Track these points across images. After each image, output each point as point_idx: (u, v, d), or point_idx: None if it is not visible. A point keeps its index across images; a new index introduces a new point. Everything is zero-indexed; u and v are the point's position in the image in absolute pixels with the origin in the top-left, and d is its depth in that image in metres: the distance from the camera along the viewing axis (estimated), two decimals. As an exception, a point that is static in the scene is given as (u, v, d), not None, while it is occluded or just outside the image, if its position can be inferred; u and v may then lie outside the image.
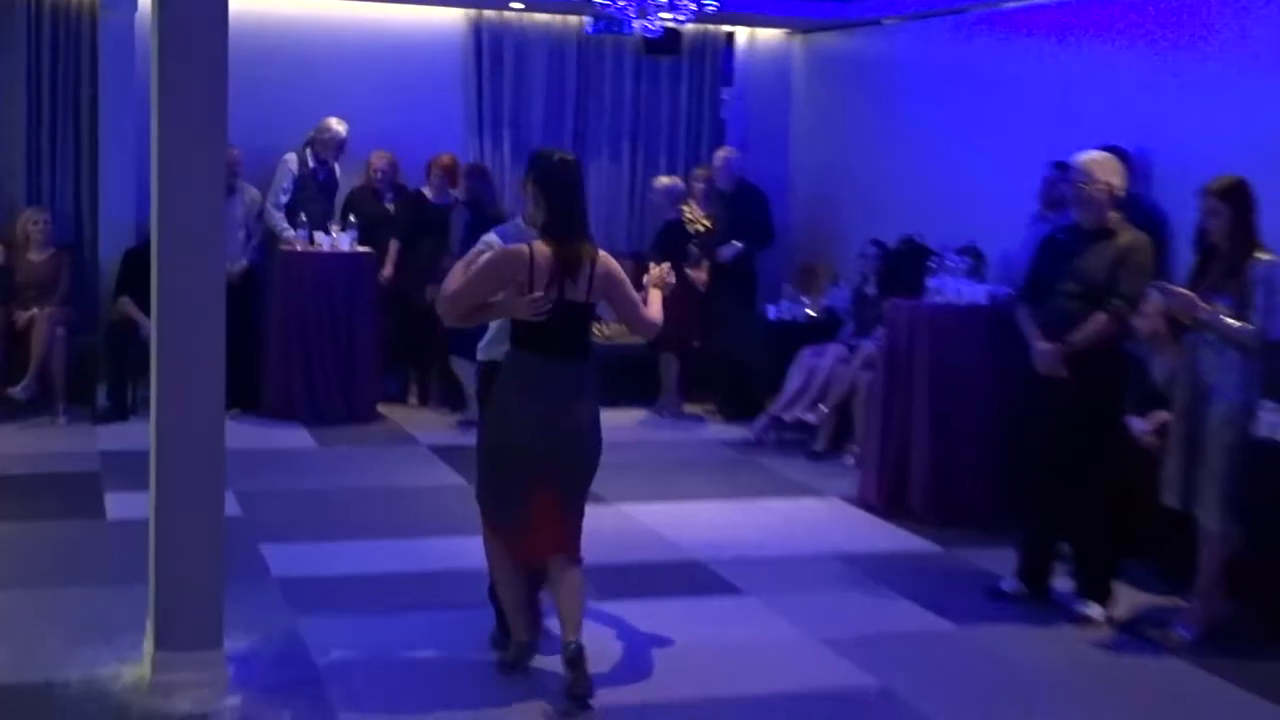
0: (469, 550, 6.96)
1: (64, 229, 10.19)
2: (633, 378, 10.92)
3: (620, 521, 7.72)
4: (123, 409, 9.70)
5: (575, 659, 4.98)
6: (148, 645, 5.17)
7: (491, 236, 5.41)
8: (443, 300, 5.19)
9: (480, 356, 5.55)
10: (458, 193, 10.35)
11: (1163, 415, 6.62)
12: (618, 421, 10.28)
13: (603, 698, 5.18)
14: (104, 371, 9.85)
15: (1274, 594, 6.21)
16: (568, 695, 5.00)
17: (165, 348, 4.99)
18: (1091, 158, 6.40)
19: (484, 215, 9.82)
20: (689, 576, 6.81)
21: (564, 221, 5.00)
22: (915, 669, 5.70)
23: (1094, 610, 6.38)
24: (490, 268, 4.99)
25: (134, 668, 5.20)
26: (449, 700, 5.18)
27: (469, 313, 5.15)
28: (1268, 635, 6.05)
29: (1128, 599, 6.55)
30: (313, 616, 5.95)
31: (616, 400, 10.74)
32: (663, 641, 5.89)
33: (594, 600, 6.35)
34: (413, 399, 10.50)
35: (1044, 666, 5.88)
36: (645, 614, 6.22)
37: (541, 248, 4.92)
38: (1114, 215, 6.41)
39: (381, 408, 10.35)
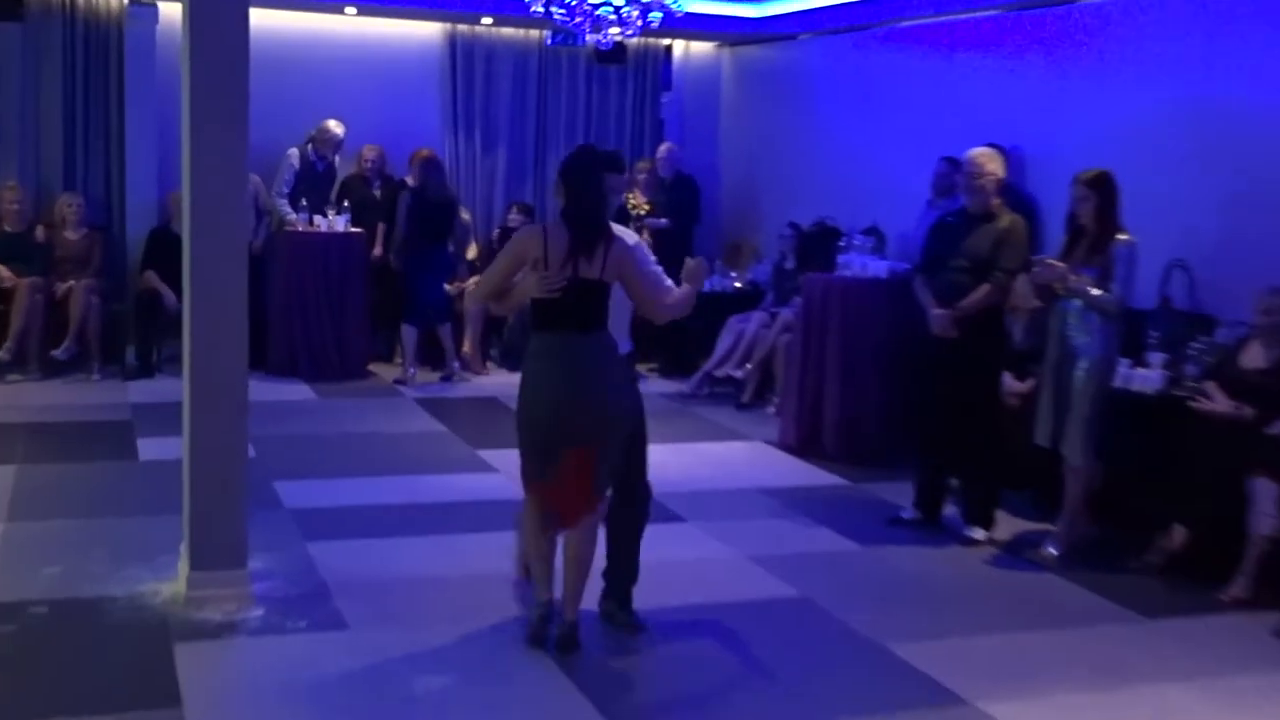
0: (453, 485, 7.13)
1: (95, 211, 10.06)
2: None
3: (579, 461, 7.75)
4: (149, 367, 9.65)
5: (566, 638, 4.78)
6: (182, 566, 5.20)
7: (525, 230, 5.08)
8: (474, 286, 4.99)
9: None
10: (411, 178, 10.14)
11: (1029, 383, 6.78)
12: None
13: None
14: (132, 335, 9.77)
15: (1126, 518, 6.35)
16: (556, 647, 4.80)
17: (197, 312, 4.99)
18: (980, 153, 6.47)
19: (427, 199, 9.80)
20: (639, 507, 6.85)
21: (576, 205, 4.71)
22: (828, 581, 5.77)
23: (978, 533, 6.49)
24: (510, 249, 4.76)
25: (170, 585, 5.23)
26: (442, 612, 5.19)
27: (494, 293, 4.89)
28: (1120, 552, 6.15)
29: (1006, 524, 6.65)
30: (321, 541, 5.96)
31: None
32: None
33: (561, 529, 6.47)
34: (398, 359, 10.38)
35: (936, 578, 5.98)
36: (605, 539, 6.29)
37: (557, 230, 4.66)
38: (996, 202, 6.50)
39: (371, 366, 10.29)
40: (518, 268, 4.72)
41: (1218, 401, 6.05)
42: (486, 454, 7.81)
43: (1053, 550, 6.20)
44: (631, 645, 4.99)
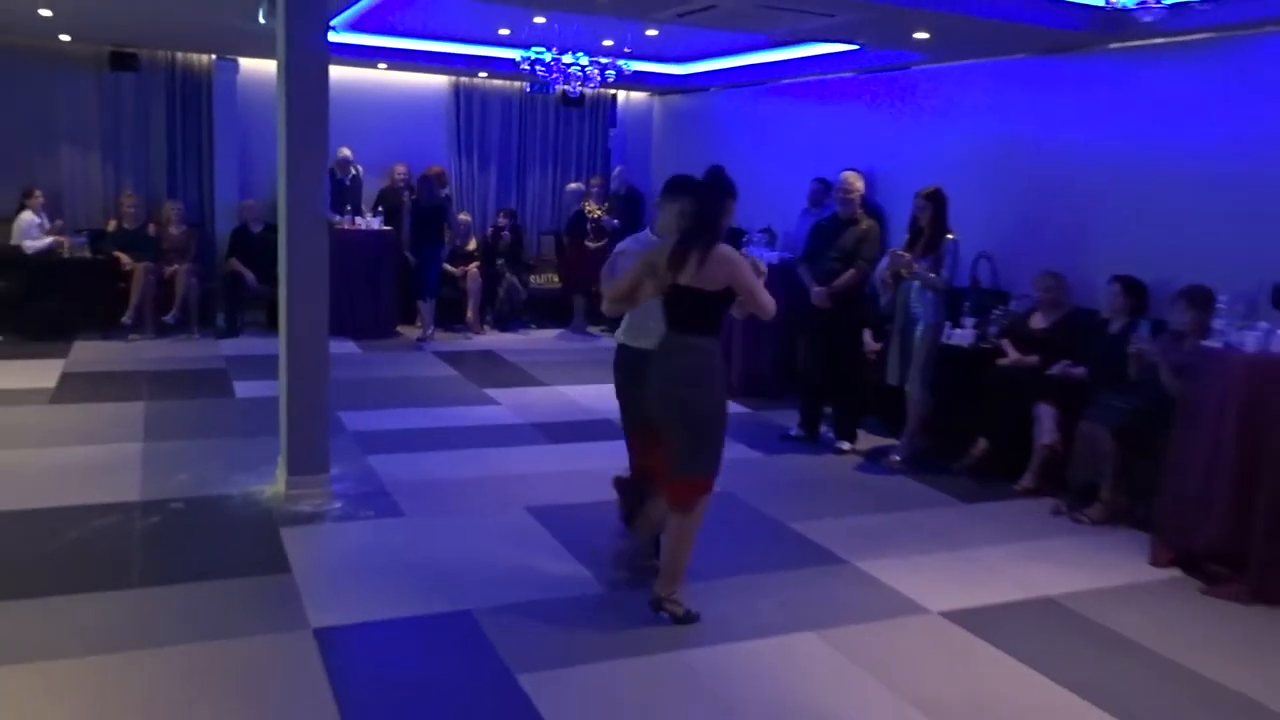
0: (469, 414, 7.15)
1: (192, 213, 9.93)
2: (554, 309, 11.03)
3: (557, 397, 7.78)
4: (235, 329, 9.55)
5: (655, 604, 4.01)
6: (280, 472, 5.25)
7: (624, 244, 4.59)
8: (608, 294, 4.28)
9: (617, 340, 4.52)
10: (444, 191, 9.98)
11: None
12: (543, 337, 10.46)
13: (543, 498, 5.34)
14: (221, 305, 9.68)
15: (948, 435, 6.42)
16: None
17: (293, 284, 5.04)
18: (849, 174, 6.55)
19: (422, 208, 9.63)
20: (601, 429, 6.80)
21: (686, 222, 3.98)
22: (744, 480, 5.82)
23: (846, 445, 6.63)
24: (641, 260, 4.06)
25: (272, 486, 5.28)
26: (472, 503, 5.28)
27: (627, 296, 4.13)
28: (944, 458, 6.24)
29: (866, 439, 6.79)
30: (376, 455, 5.98)
31: (543, 323, 10.95)
32: (589, 468, 5.91)
33: (550, 443, 6.55)
34: (419, 323, 10.24)
35: (817, 478, 6.09)
36: (579, 451, 6.35)
37: (669, 244, 3.97)
38: (859, 210, 6.67)
39: (400, 328, 10.21)
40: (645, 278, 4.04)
41: (1011, 353, 6.28)
42: (491, 391, 7.84)
43: (898, 457, 6.33)
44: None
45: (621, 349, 4.44)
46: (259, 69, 10.05)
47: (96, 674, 3.41)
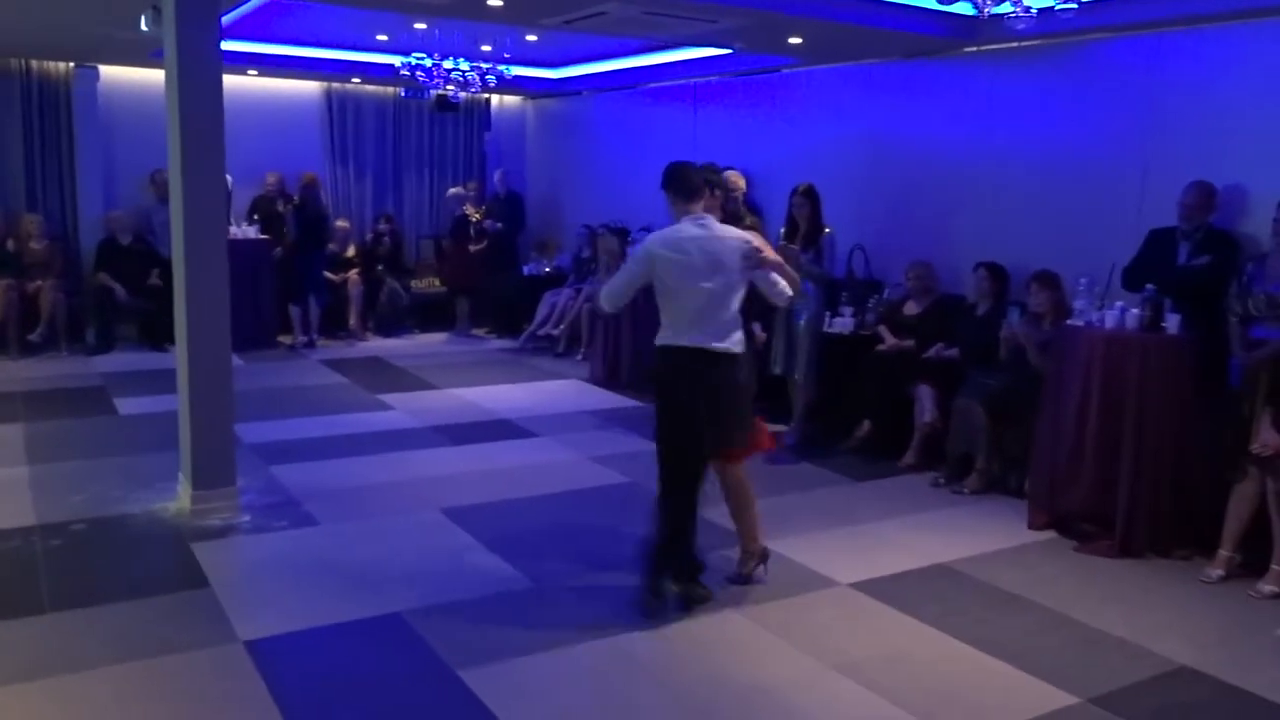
0: (366, 420, 7.04)
1: (54, 226, 9.39)
2: (436, 313, 10.92)
3: (452, 399, 7.74)
4: (107, 345, 9.10)
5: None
6: (184, 487, 5.11)
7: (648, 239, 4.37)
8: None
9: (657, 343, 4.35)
10: (296, 199, 9.78)
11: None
12: (427, 341, 10.36)
13: (455, 500, 5.32)
14: (92, 321, 9.18)
15: (834, 418, 6.65)
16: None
17: (193, 299, 4.89)
18: (733, 174, 6.63)
19: (307, 214, 9.51)
20: (502, 428, 6.90)
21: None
22: (645, 471, 5.55)
23: None
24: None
25: (174, 503, 5.13)
26: (383, 507, 5.22)
27: None
28: (832, 440, 6.51)
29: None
30: (279, 465, 5.86)
31: (426, 328, 10.83)
32: (495, 467, 6.01)
33: (453, 445, 6.52)
34: (300, 334, 9.93)
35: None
36: (483, 452, 6.35)
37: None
38: (743, 208, 6.87)
39: (281, 338, 9.84)
40: None
41: (889, 339, 6.60)
42: (384, 396, 7.73)
43: (789, 442, 6.50)
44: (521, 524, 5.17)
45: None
46: (122, 77, 9.62)
47: (19, 703, 3.28)
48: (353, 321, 10.10)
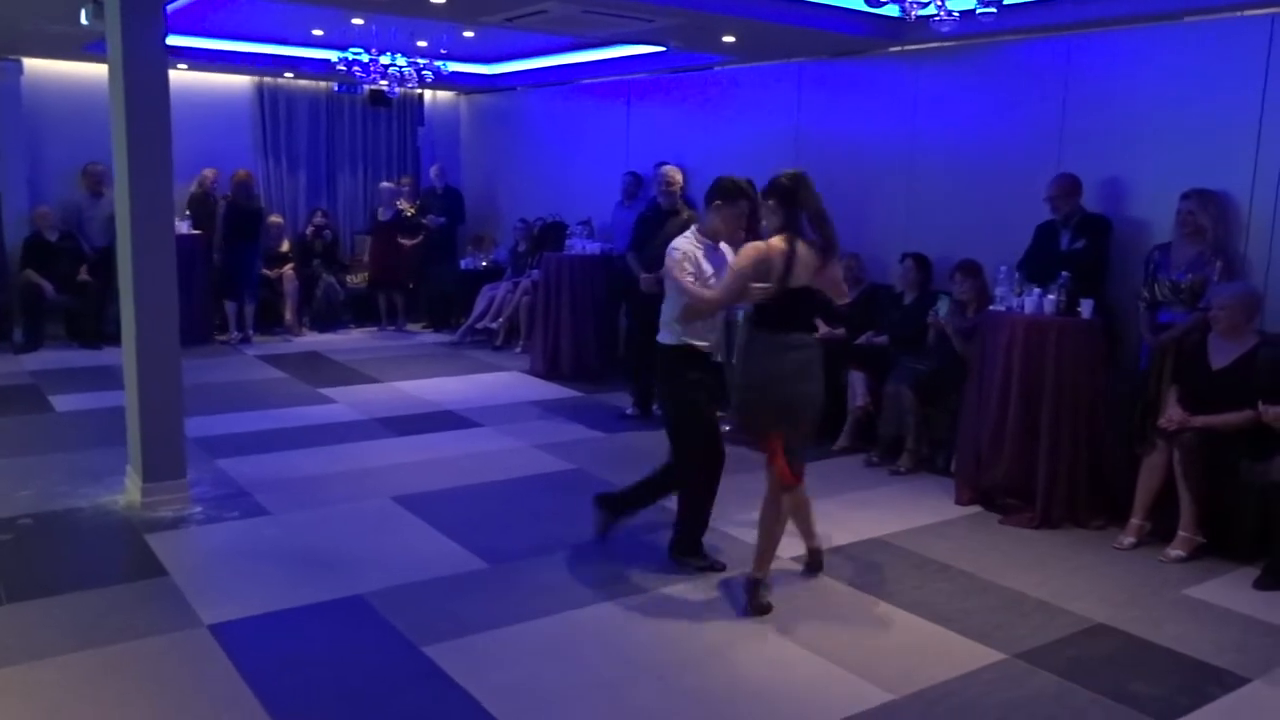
0: (308, 413, 7.07)
1: (-24, 225, 9.22)
2: (373, 308, 10.88)
3: (393, 392, 7.79)
4: (35, 343, 8.92)
5: (752, 586, 4.11)
6: (132, 480, 5.11)
7: (679, 241, 4.34)
8: (715, 299, 4.15)
9: (690, 344, 4.46)
10: (227, 195, 9.73)
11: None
12: (363, 336, 10.35)
13: (404, 488, 5.41)
14: (19, 319, 9.01)
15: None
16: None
17: (142, 295, 4.90)
18: (671, 169, 6.91)
19: (239, 209, 9.48)
20: (446, 419, 6.99)
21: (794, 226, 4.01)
22: (590, 457, 6.15)
23: None
24: (754, 265, 3.97)
25: (123, 496, 5.14)
26: (333, 496, 5.29)
27: (736, 300, 4.19)
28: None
29: None
30: (226, 458, 5.89)
31: (363, 323, 10.79)
32: (441, 456, 6.10)
33: (398, 436, 6.61)
34: (234, 331, 9.85)
35: (652, 448, 5.94)
36: (428, 442, 6.43)
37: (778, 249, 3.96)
38: (680, 202, 7.07)
39: (216, 335, 9.78)
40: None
41: (822, 327, 6.83)
42: (326, 390, 7.77)
43: (728, 427, 6.74)
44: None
45: (695, 353, 4.42)
46: (47, 70, 9.44)
47: (-11, 689, 3.33)
48: (288, 317, 10.07)
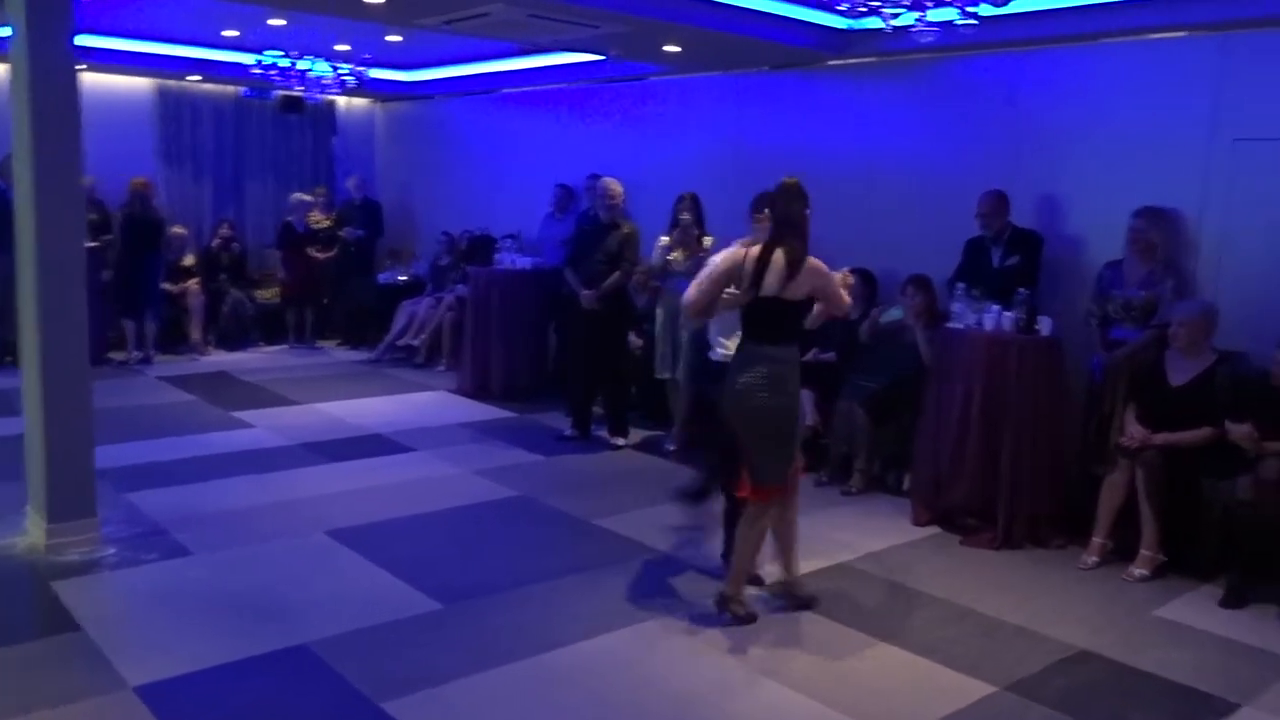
0: (224, 440, 6.64)
1: None
2: (284, 324, 10.38)
3: (316, 415, 7.37)
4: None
5: (720, 602, 4.08)
6: (34, 521, 4.65)
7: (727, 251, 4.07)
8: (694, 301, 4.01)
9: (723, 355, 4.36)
10: (130, 206, 9.05)
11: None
12: (275, 354, 9.86)
13: (339, 520, 5.07)
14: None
15: (713, 421, 6.77)
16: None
17: (47, 318, 4.46)
18: (611, 181, 6.66)
19: (136, 219, 8.91)
20: (376, 444, 6.63)
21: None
22: (532, 482, 5.86)
23: (619, 441, 6.78)
24: (726, 269, 3.95)
25: (24, 538, 4.66)
26: (260, 532, 4.91)
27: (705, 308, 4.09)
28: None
29: (637, 434, 6.96)
30: (136, 492, 5.42)
31: (274, 339, 10.27)
32: (378, 484, 5.76)
33: (326, 463, 6.22)
34: (133, 350, 9.20)
35: (602, 473, 6.19)
36: (363, 468, 6.08)
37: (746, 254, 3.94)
38: (620, 216, 6.84)
39: (110, 354, 9.07)
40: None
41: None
42: (241, 414, 7.29)
43: (669, 446, 6.58)
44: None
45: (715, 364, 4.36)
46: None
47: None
48: (194, 334, 9.51)
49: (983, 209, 5.77)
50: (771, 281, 3.86)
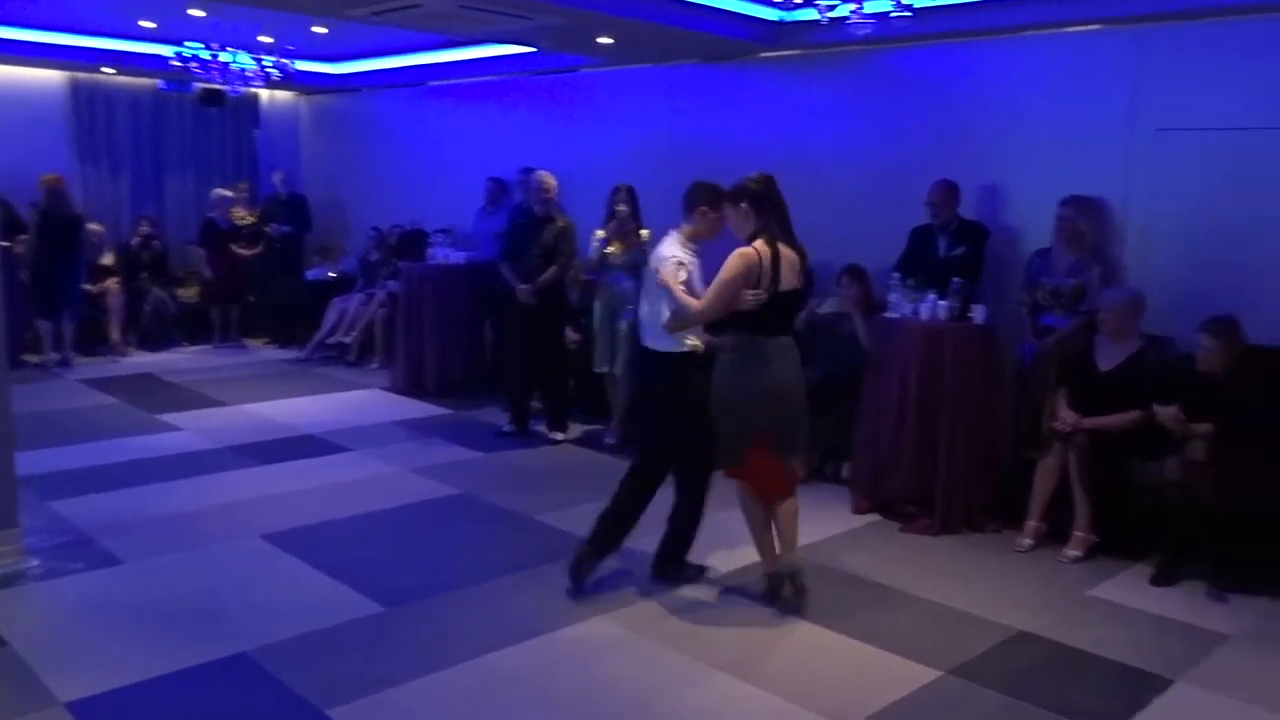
0: (150, 443, 6.44)
1: None
2: (208, 323, 10.09)
3: (246, 416, 7.20)
4: None
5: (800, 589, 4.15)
6: (-48, 533, 4.46)
7: (672, 248, 4.14)
8: (707, 308, 3.96)
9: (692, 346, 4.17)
10: (42, 203, 8.70)
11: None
12: (199, 354, 9.60)
13: (274, 524, 4.96)
14: None
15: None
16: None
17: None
18: (545, 175, 6.58)
19: (50, 216, 8.59)
20: (309, 444, 6.48)
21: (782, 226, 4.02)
22: (472, 480, 5.79)
23: (559, 435, 6.72)
24: (744, 270, 3.90)
25: (-60, 552, 4.47)
26: (192, 538, 4.76)
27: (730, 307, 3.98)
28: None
29: (576, 428, 6.91)
30: (59, 500, 5.23)
31: (197, 339, 10.00)
32: (309, 485, 5.64)
33: (258, 465, 6.07)
34: (51, 352, 8.89)
35: (542, 469, 6.14)
36: (296, 470, 5.94)
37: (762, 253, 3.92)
38: (555, 209, 6.78)
39: (25, 356, 8.69)
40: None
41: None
42: (167, 416, 7.08)
43: (611, 440, 6.57)
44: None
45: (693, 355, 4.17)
46: None
47: None
48: (114, 335, 9.21)
49: (932, 197, 5.83)
50: (788, 276, 3.97)
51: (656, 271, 4.10)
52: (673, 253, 4.12)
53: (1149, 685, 3.60)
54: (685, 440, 4.23)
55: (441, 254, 8.17)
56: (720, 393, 4.08)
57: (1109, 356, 4.95)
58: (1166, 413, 4.55)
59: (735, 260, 3.92)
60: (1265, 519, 4.34)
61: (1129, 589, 4.50)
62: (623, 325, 6.38)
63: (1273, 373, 4.53)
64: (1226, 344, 4.54)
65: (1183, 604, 4.34)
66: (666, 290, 4.04)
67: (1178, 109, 5.32)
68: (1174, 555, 4.58)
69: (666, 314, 4.07)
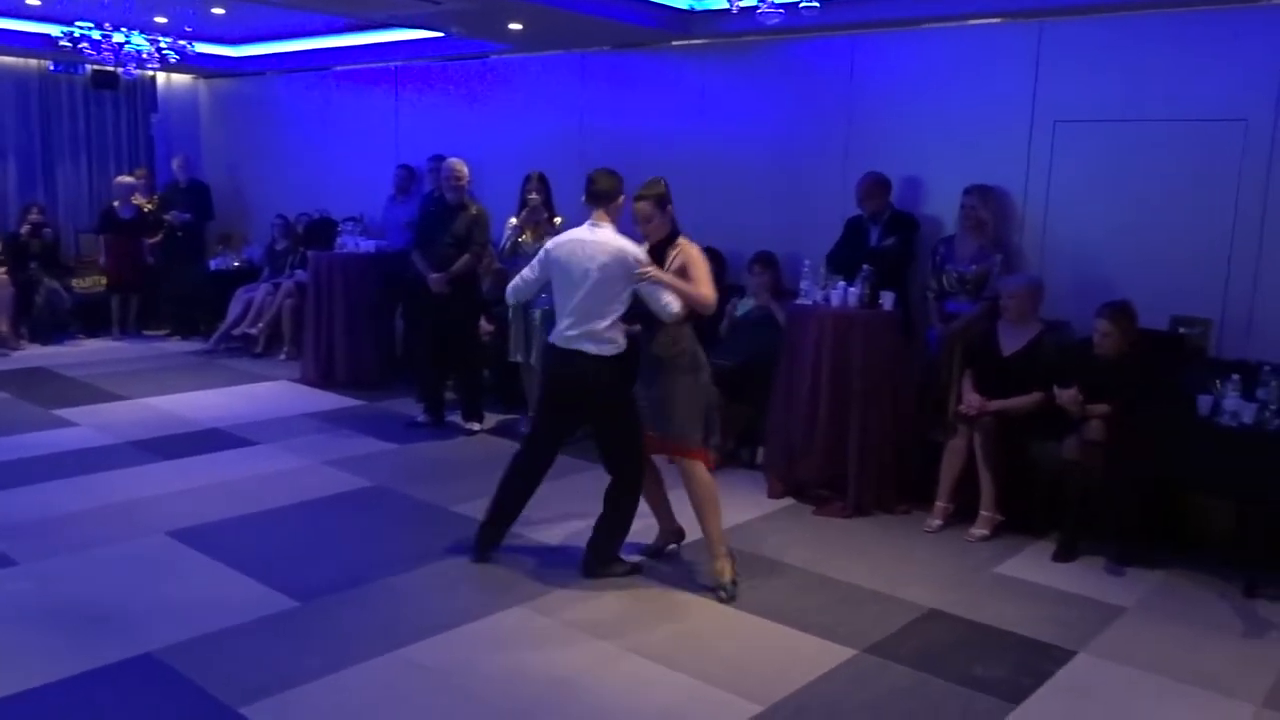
0: (45, 440, 6.20)
1: None
2: (105, 315, 9.72)
3: (146, 410, 6.96)
4: None
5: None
6: None
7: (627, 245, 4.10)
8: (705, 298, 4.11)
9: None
10: None
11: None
12: (96, 347, 9.26)
13: (180, 521, 4.81)
14: None
15: None
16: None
17: None
18: (457, 162, 6.48)
19: None
20: (215, 438, 6.31)
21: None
22: (386, 472, 5.72)
23: (475, 426, 6.68)
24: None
25: None
26: (91, 537, 4.60)
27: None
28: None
29: (492, 417, 6.87)
30: (-52, 501, 5.01)
31: (94, 332, 9.64)
32: (216, 480, 5.49)
33: (161, 461, 5.88)
34: None
35: (458, 459, 6.08)
36: (200, 465, 5.77)
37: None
38: (467, 197, 6.71)
39: None
40: None
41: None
42: (62, 412, 6.81)
43: (526, 430, 6.51)
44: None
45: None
46: None
47: None
48: (3, 328, 8.81)
49: (859, 192, 5.95)
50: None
51: (636, 273, 4.03)
52: (632, 247, 4.10)
53: (1052, 657, 3.74)
54: (632, 440, 4.29)
55: (350, 243, 8.01)
56: (683, 377, 4.19)
57: (1011, 341, 5.12)
58: (1066, 394, 4.72)
59: (698, 253, 4.21)
60: (1156, 494, 4.55)
61: (1033, 565, 4.67)
62: (536, 314, 6.34)
63: (1163, 354, 4.74)
64: (1121, 328, 4.73)
65: (1083, 578, 4.52)
66: (659, 285, 4.03)
67: (1073, 101, 5.51)
68: (1074, 531, 4.76)
69: (675, 307, 4.05)
